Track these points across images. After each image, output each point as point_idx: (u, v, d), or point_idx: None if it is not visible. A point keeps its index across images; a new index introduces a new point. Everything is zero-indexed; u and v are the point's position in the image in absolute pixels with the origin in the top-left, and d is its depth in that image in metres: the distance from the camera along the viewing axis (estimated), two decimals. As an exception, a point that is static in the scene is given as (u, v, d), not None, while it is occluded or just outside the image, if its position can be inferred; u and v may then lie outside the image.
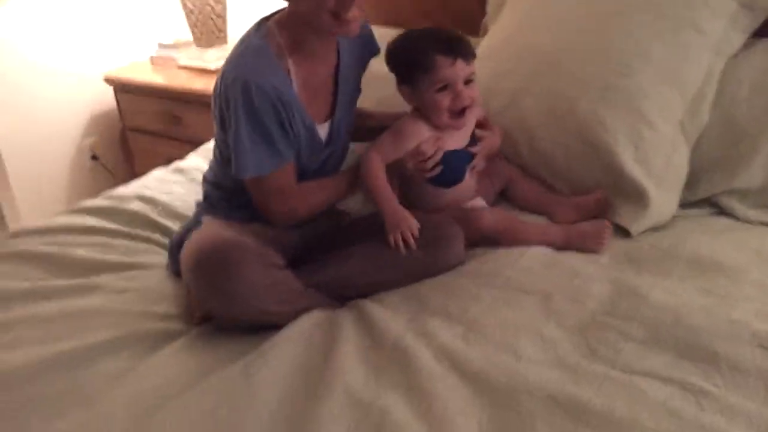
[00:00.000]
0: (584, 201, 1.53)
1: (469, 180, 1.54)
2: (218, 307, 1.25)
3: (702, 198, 1.57)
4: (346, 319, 1.28)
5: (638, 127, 1.52)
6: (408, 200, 1.47)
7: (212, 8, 2.45)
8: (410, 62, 1.43)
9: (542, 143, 1.61)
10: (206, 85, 2.37)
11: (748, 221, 1.51)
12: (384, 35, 2.09)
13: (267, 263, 1.28)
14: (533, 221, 1.54)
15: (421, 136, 1.46)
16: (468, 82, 1.43)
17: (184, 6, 2.45)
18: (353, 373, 1.13)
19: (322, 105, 1.44)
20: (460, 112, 1.44)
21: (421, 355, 1.16)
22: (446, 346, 1.17)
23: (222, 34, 2.51)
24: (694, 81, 1.57)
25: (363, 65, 1.55)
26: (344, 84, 1.46)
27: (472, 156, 1.52)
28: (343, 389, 1.09)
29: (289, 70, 1.34)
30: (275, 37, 1.34)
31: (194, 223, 1.48)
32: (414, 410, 1.05)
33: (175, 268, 1.43)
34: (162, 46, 2.61)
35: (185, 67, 2.52)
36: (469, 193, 1.57)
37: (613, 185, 1.53)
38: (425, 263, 1.40)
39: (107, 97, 2.63)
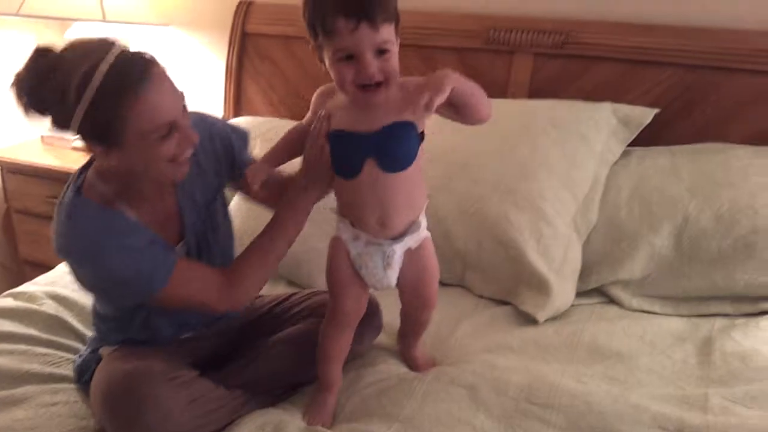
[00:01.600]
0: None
1: (381, 185, 1.25)
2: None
3: (593, 288, 1.78)
4: (289, 425, 1.31)
5: (539, 225, 1.73)
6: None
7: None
8: (311, 21, 1.16)
9: (457, 238, 1.77)
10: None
11: (631, 309, 1.73)
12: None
13: (179, 383, 1.24)
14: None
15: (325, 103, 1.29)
16: (382, 51, 1.14)
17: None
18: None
19: (173, 231, 1.35)
20: (369, 86, 1.16)
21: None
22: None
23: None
24: (584, 185, 1.81)
25: (225, 164, 1.43)
26: (188, 209, 1.36)
27: (387, 146, 1.23)
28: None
29: (122, 210, 1.25)
30: (96, 189, 1.24)
31: (94, 349, 1.41)
32: None
33: (84, 389, 1.38)
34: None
35: (79, 149, 2.48)
36: (381, 204, 1.27)
37: (520, 276, 1.71)
38: (352, 348, 1.43)
39: (-7, 177, 2.52)
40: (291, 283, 1.82)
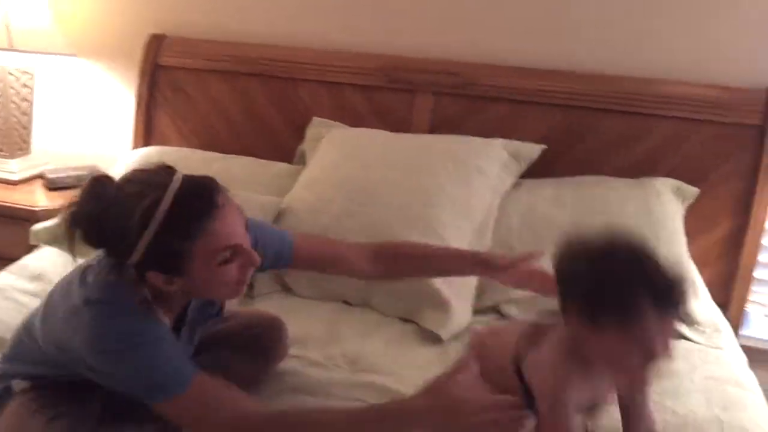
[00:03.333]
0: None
1: None
2: None
3: (488, 306, 1.92)
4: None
5: (440, 250, 1.86)
6: None
7: (18, 119, 2.43)
8: (607, 303, 1.03)
9: (363, 263, 1.87)
10: (5, 196, 2.35)
11: (523, 324, 1.88)
12: (203, 159, 2.26)
13: None
14: None
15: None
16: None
17: (-11, 115, 2.40)
18: None
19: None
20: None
21: None
22: None
23: (26, 145, 2.49)
24: (479, 213, 1.97)
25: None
26: (193, 313, 1.34)
27: None
28: None
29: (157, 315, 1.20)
30: (142, 298, 1.16)
31: (4, 382, 1.32)
32: None
33: None
34: (-40, 153, 2.50)
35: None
36: None
37: (422, 297, 1.83)
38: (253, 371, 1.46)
39: None
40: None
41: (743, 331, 2.20)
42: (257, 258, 1.18)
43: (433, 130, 2.25)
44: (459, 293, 1.85)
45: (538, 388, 1.15)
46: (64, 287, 1.26)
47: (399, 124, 2.27)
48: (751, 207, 2.09)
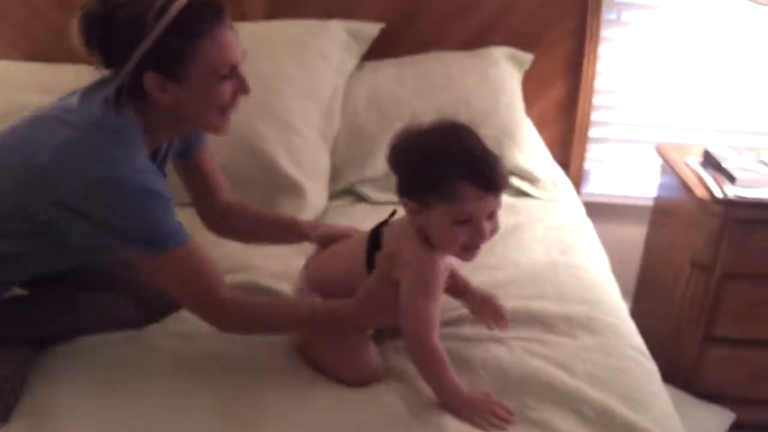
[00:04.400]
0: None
1: None
2: None
3: (343, 188, 1.97)
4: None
5: (289, 136, 1.86)
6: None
7: None
8: (426, 184, 1.15)
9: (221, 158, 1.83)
10: None
11: (379, 203, 1.93)
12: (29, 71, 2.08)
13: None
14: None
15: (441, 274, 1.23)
16: (491, 214, 1.17)
17: None
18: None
19: None
20: (473, 248, 1.20)
21: None
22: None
23: None
24: (325, 96, 1.97)
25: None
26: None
27: None
28: None
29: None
30: (138, 132, 1.21)
31: None
32: None
33: None
34: None
35: None
36: None
37: (276, 185, 1.83)
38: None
39: None
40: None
41: (585, 189, 2.38)
42: (249, 87, 1.24)
43: (269, 16, 2.17)
44: (313, 176, 1.87)
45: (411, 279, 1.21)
46: (43, 122, 1.21)
47: (234, 13, 2.14)
48: (582, 68, 2.21)
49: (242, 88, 1.24)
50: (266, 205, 1.84)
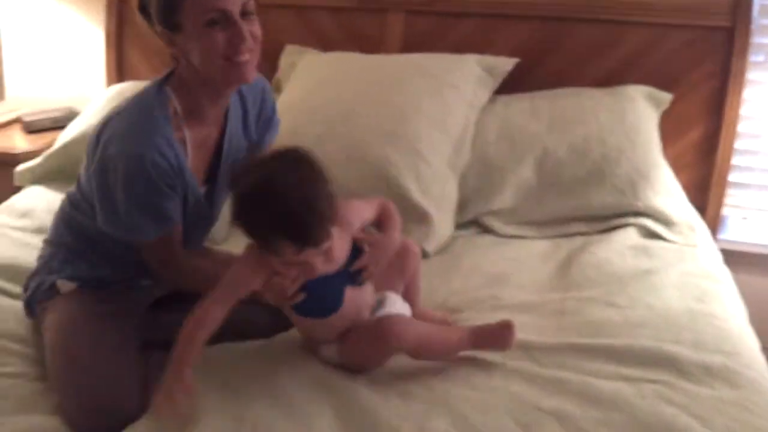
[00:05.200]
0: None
1: (361, 293, 1.35)
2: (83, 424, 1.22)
3: (469, 219, 1.97)
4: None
5: (418, 164, 1.89)
6: (301, 333, 1.40)
7: (-12, 63, 2.40)
8: (255, 237, 1.22)
9: (344, 181, 1.85)
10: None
11: (505, 235, 1.92)
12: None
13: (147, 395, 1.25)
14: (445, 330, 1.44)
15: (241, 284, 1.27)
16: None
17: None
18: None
19: (203, 168, 1.43)
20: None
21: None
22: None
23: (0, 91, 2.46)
24: (456, 128, 1.99)
25: (256, 124, 1.51)
26: (229, 148, 1.43)
27: (353, 275, 1.33)
28: None
29: (184, 139, 1.33)
30: (173, 104, 1.32)
31: (50, 277, 1.41)
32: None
33: (33, 319, 1.42)
34: (-70, 100, 2.47)
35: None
36: (364, 305, 1.37)
37: (404, 212, 1.84)
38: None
39: None
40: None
41: (721, 235, 2.26)
42: (244, 33, 1.25)
43: (405, 50, 2.24)
44: (440, 205, 1.89)
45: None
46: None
47: (371, 46, 2.26)
48: (723, 110, 2.12)
49: (239, 39, 1.25)
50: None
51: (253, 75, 1.32)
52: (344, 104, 1.99)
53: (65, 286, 1.40)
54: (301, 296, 1.27)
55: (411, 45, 2.24)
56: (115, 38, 2.43)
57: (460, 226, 1.95)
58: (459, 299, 1.61)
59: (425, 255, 1.79)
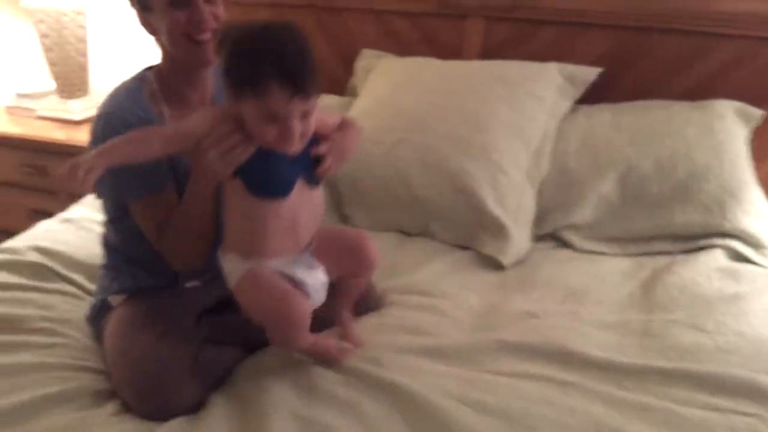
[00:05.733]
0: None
1: (311, 196, 1.29)
2: (152, 415, 1.25)
3: (547, 232, 1.92)
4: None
5: (495, 175, 1.85)
6: (226, 250, 1.30)
7: (75, 60, 2.47)
8: (239, 78, 1.16)
9: (419, 190, 1.88)
10: (69, 135, 2.39)
11: (582, 250, 1.86)
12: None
13: (202, 372, 1.31)
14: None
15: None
16: (305, 116, 1.18)
17: (47, 57, 2.45)
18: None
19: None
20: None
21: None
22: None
23: (84, 86, 2.53)
24: (535, 138, 1.94)
25: None
26: None
27: (311, 163, 1.26)
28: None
29: (162, 113, 1.37)
30: (151, 84, 1.39)
31: (103, 295, 1.47)
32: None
33: (96, 335, 1.46)
34: (19, 95, 2.57)
35: (45, 118, 2.50)
36: (313, 212, 1.31)
37: (480, 223, 1.83)
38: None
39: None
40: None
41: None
42: (204, 13, 1.32)
43: (484, 56, 2.20)
44: (517, 217, 1.84)
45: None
46: None
47: (449, 52, 2.23)
48: (819, 129, 2.01)
49: (194, 13, 1.31)
50: (469, 242, 1.87)
51: (213, 58, 1.35)
52: (421, 111, 1.97)
53: (115, 299, 1.45)
54: (246, 154, 1.20)
55: (489, 52, 2.20)
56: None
57: (536, 238, 1.90)
58: (536, 310, 1.57)
59: (501, 267, 1.77)
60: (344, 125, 1.37)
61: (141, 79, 1.40)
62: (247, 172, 1.22)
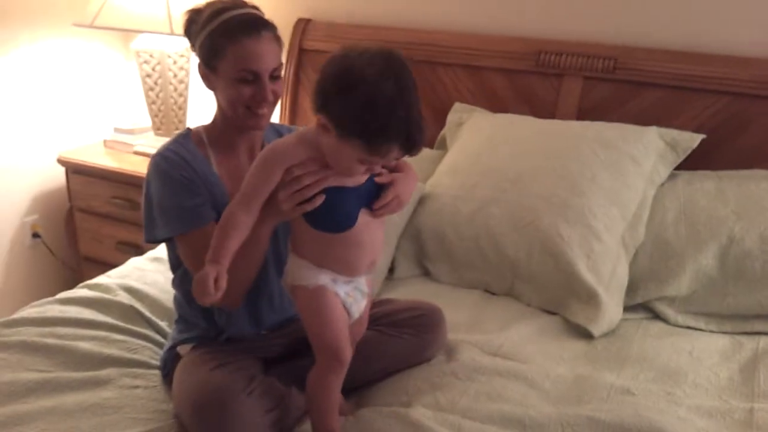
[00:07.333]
0: None
1: (375, 225, 1.28)
2: None
3: (638, 303, 1.84)
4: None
5: (589, 240, 1.79)
6: (297, 252, 1.30)
7: (175, 100, 2.56)
8: (359, 128, 1.12)
9: (507, 249, 1.84)
10: (164, 171, 2.46)
11: (676, 325, 1.78)
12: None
13: (258, 394, 1.30)
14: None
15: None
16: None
17: (147, 96, 2.55)
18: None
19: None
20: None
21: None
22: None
23: (182, 124, 2.62)
24: (633, 204, 1.87)
25: None
26: None
27: (373, 193, 1.26)
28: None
29: (208, 156, 1.44)
30: (198, 133, 1.47)
31: (172, 346, 1.50)
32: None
33: (167, 381, 1.48)
34: (118, 130, 2.67)
35: (141, 153, 2.58)
36: (374, 247, 1.31)
37: (570, 289, 1.77)
38: (413, 348, 1.52)
39: (55, 177, 2.64)
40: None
41: None
42: (268, 93, 1.38)
43: (579, 116, 2.16)
44: (609, 286, 1.78)
45: None
46: None
47: (543, 110, 2.20)
48: None
49: (262, 96, 1.38)
50: (557, 307, 1.81)
51: (266, 124, 1.45)
52: (515, 169, 1.94)
53: (183, 349, 1.48)
54: (320, 200, 1.21)
55: (586, 112, 2.16)
56: (292, 84, 2.52)
57: (628, 308, 1.82)
58: (622, 388, 1.49)
59: (590, 337, 1.70)
60: (402, 165, 1.36)
61: (189, 129, 1.49)
62: (323, 214, 1.23)
